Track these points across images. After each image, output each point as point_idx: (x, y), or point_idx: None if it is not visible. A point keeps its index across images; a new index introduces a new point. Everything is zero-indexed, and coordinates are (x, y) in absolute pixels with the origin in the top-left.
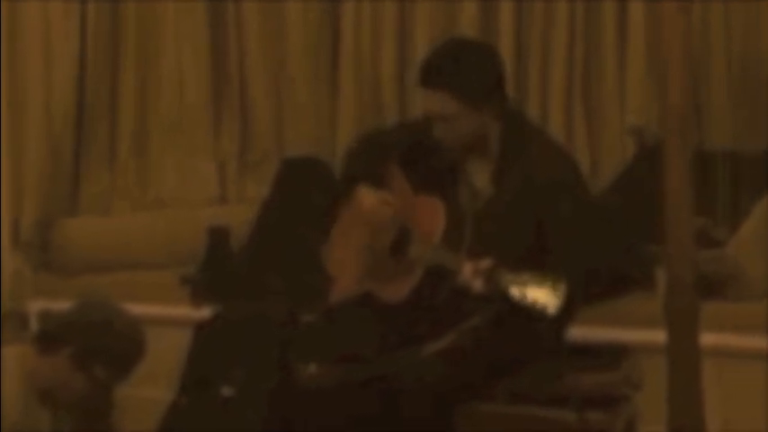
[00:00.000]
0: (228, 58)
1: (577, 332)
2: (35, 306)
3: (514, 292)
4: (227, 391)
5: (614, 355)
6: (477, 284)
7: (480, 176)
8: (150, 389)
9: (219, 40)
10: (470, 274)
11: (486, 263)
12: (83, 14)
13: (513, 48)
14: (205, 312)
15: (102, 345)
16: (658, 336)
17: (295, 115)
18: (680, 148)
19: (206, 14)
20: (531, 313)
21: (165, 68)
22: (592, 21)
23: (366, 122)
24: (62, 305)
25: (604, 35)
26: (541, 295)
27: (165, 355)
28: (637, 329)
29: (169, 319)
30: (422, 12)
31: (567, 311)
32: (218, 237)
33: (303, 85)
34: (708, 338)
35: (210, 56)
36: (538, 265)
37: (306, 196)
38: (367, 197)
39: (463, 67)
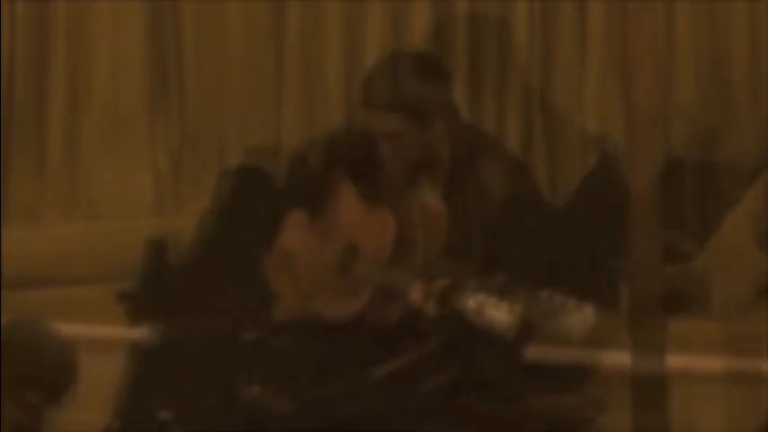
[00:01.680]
0: (166, 60)
1: (538, 352)
2: None
3: (471, 313)
4: (164, 414)
5: (577, 376)
6: (431, 306)
7: (431, 192)
8: (84, 412)
9: (157, 41)
10: (423, 295)
11: (439, 283)
12: (11, 13)
13: (468, 53)
14: (142, 331)
15: (31, 368)
16: (623, 356)
17: (237, 122)
18: (646, 156)
19: (143, 13)
20: (489, 334)
21: (98, 70)
22: (550, 22)
23: (312, 130)
24: None
25: (563, 36)
26: (499, 316)
27: (100, 378)
28: (601, 349)
29: (104, 338)
30: (371, 17)
31: (526, 331)
32: (155, 250)
33: (245, 90)
34: (675, 359)
35: (147, 56)
36: (494, 282)
37: (248, 208)
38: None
39: (406, 83)
